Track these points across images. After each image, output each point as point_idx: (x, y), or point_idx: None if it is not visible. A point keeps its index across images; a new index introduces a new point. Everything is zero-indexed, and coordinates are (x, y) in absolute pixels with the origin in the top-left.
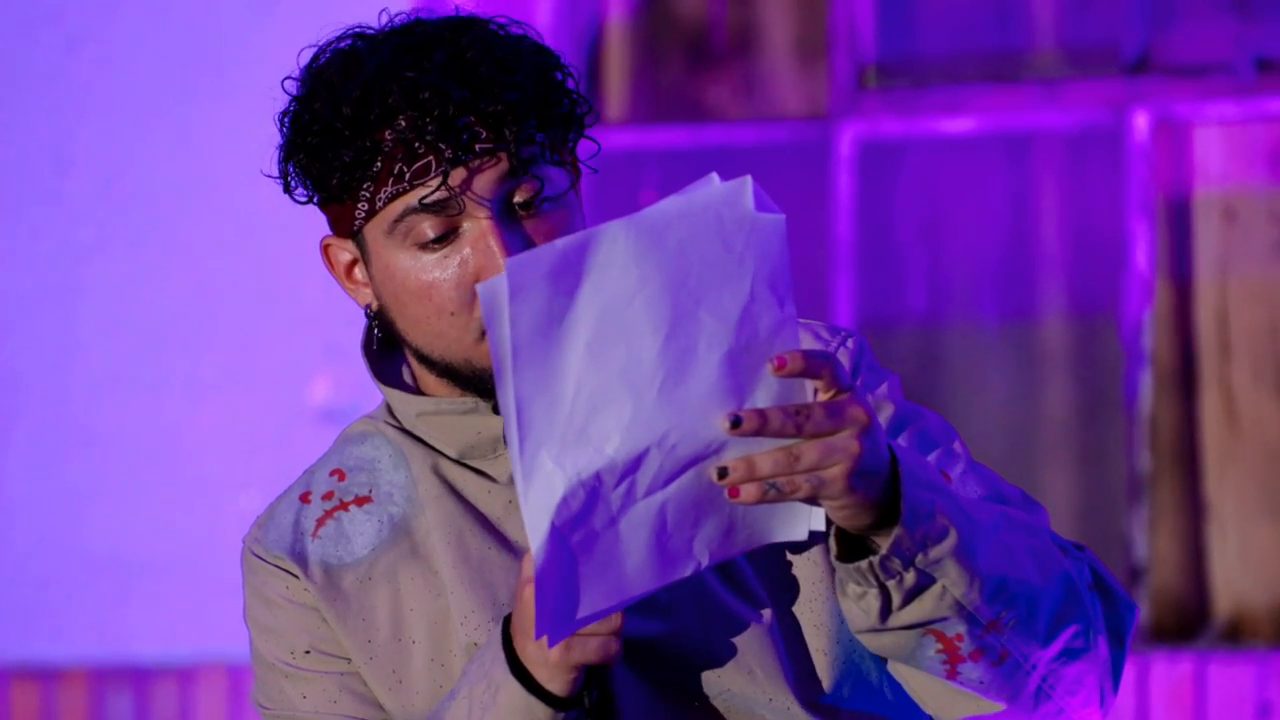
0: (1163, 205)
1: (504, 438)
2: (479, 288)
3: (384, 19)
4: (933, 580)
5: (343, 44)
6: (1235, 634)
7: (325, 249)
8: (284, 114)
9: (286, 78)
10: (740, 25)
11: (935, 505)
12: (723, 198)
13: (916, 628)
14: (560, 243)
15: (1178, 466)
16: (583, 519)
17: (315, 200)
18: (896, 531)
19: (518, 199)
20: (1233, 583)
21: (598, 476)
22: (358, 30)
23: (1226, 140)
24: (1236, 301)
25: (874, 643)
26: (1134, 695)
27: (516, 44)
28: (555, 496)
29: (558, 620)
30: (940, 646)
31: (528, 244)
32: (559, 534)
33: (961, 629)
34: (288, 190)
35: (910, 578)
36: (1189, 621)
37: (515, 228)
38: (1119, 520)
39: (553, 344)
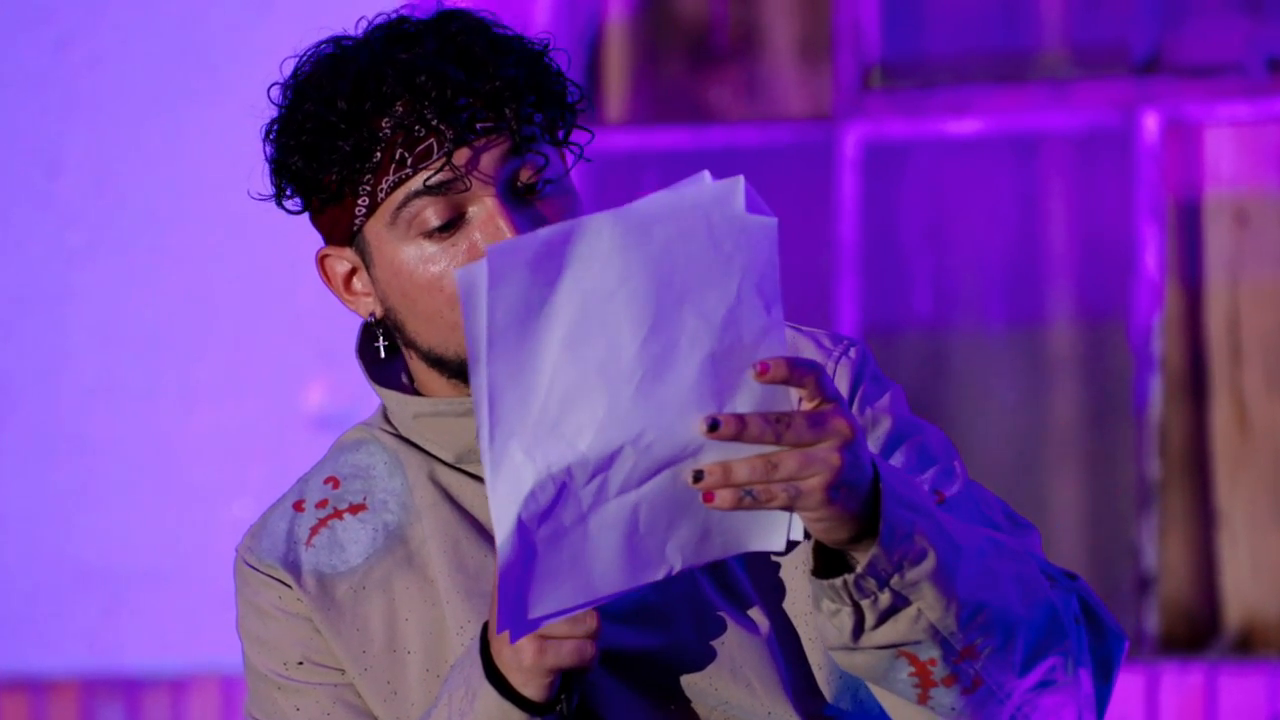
0: (1173, 208)
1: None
2: (456, 272)
3: (365, 24)
4: (908, 602)
5: (325, 49)
6: (1246, 644)
7: (321, 261)
8: (270, 124)
9: (272, 85)
10: (742, 24)
11: (915, 526)
12: (714, 197)
13: (889, 649)
14: (543, 231)
15: (1188, 473)
16: (551, 514)
17: (310, 208)
18: (873, 551)
19: (522, 179)
20: (1244, 592)
21: (569, 471)
22: (338, 36)
23: (1238, 141)
24: (1248, 306)
25: (845, 660)
26: (1143, 706)
27: (507, 30)
28: (523, 489)
29: (520, 616)
30: (913, 669)
31: (537, 223)
32: (525, 528)
33: (935, 654)
34: (279, 202)
35: (885, 598)
36: (1199, 631)
37: (523, 208)
38: (1128, 528)
39: (529, 334)
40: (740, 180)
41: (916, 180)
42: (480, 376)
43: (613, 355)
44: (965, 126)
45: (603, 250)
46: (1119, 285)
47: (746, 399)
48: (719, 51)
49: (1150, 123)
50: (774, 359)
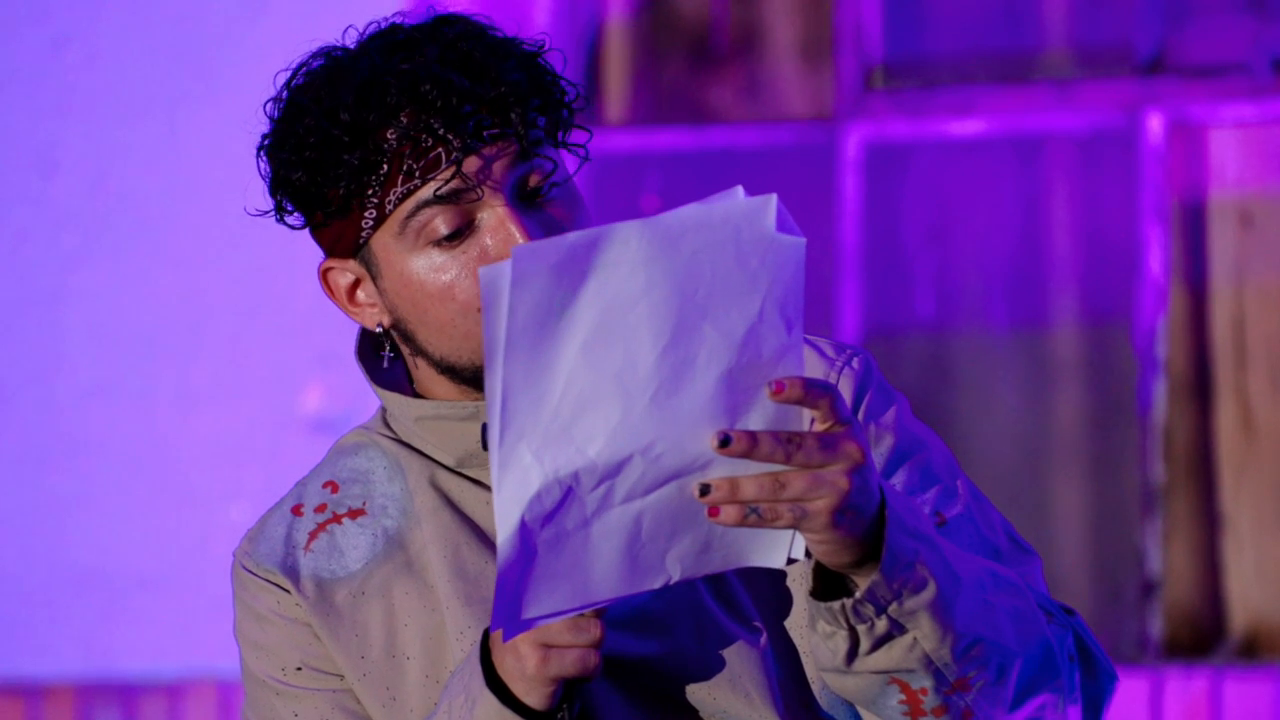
0: (1177, 209)
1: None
2: (480, 271)
3: (355, 33)
4: (904, 631)
5: (316, 62)
6: (1251, 649)
7: (324, 275)
8: (265, 139)
9: (266, 100)
10: (743, 25)
11: (918, 555)
12: (744, 213)
13: (881, 675)
14: (570, 236)
15: (1192, 477)
16: (554, 517)
17: (312, 222)
18: (874, 577)
19: (530, 184)
20: (1249, 596)
21: (576, 476)
22: (330, 48)
23: (1242, 142)
24: (1252, 308)
25: (837, 683)
26: (1148, 711)
27: (502, 34)
28: (529, 490)
29: (514, 615)
30: (904, 697)
31: (548, 228)
32: (527, 529)
33: (928, 683)
34: (280, 218)
35: (882, 625)
36: (1204, 636)
37: (532, 213)
38: (1132, 532)
39: (548, 337)
40: (773, 198)
41: (919, 181)
42: (495, 375)
43: (630, 364)
44: (968, 127)
45: (629, 258)
46: (1123, 287)
47: (759, 417)
48: (720, 52)
49: (1154, 124)
50: (789, 379)
